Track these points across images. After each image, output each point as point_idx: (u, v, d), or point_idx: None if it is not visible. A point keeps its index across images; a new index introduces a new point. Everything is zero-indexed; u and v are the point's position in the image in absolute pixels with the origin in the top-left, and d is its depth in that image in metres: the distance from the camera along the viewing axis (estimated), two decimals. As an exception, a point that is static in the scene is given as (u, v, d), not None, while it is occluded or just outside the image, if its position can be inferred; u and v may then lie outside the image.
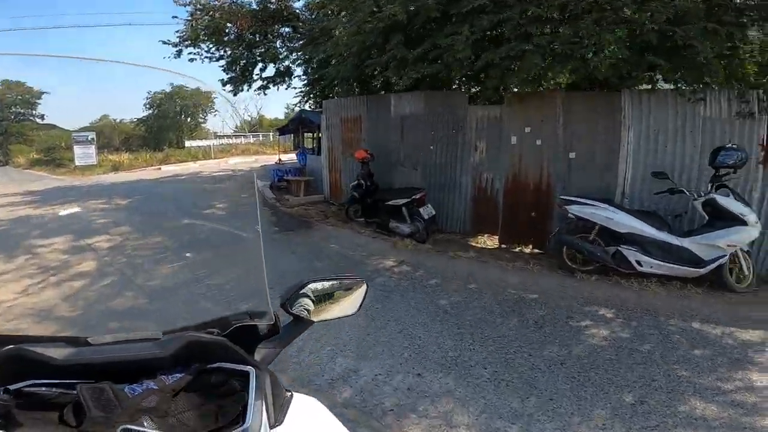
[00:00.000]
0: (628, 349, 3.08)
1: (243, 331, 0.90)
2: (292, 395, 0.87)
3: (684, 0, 3.71)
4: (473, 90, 6.89)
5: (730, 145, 4.19)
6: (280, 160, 15.19)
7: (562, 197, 4.90)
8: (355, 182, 6.96)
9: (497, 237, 6.01)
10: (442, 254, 5.39)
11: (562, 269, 4.81)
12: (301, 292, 0.98)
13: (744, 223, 4.04)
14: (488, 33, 4.80)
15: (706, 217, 4.29)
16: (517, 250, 5.74)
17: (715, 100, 4.49)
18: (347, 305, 1.05)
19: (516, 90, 6.02)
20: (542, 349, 3.05)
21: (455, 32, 4.64)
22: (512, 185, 5.74)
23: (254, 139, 30.12)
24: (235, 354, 0.80)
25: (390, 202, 6.20)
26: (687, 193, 4.39)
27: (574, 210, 4.67)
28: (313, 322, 0.99)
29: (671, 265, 4.27)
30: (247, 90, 10.79)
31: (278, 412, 0.78)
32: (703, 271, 4.19)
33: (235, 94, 10.99)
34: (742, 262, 4.22)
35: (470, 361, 2.89)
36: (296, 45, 9.87)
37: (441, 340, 3.17)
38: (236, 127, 33.35)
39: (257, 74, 10.66)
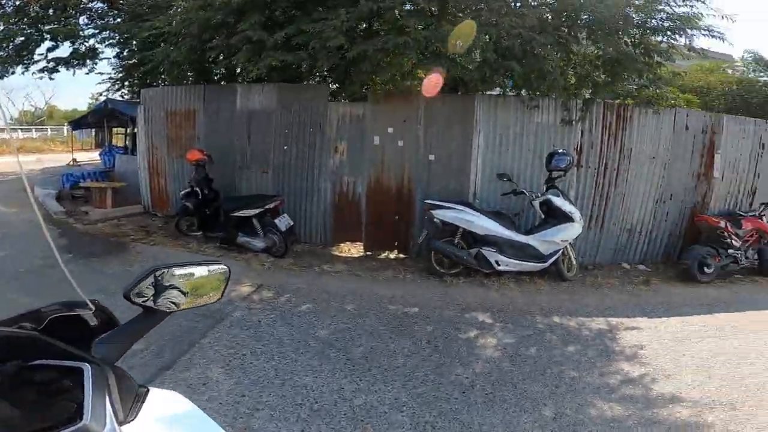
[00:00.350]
0: (519, 357, 3.07)
1: (68, 324, 0.86)
2: (148, 390, 0.83)
3: (538, 12, 4.01)
4: (334, 85, 6.38)
5: (561, 150, 4.78)
6: (74, 160, 11.92)
7: (427, 201, 4.87)
8: (188, 189, 5.65)
9: (362, 245, 5.69)
10: (306, 271, 4.73)
11: (432, 274, 4.78)
12: (161, 280, 0.89)
13: (572, 220, 4.66)
14: (362, 23, 4.36)
15: (542, 216, 4.82)
16: (383, 256, 5.52)
17: (545, 107, 5.09)
18: (208, 292, 0.99)
19: (381, 88, 5.77)
20: (448, 374, 2.77)
21: (326, 17, 4.05)
22: (375, 189, 5.48)
23: (39, 134, 24.49)
24: (57, 349, 0.74)
25: (237, 213, 5.19)
26: (527, 193, 4.86)
27: (440, 214, 4.67)
28: (167, 312, 0.91)
29: (522, 262, 4.66)
30: (23, 73, 8.54)
31: (128, 408, 0.74)
32: (546, 264, 4.69)
33: (1, 78, 8.13)
34: (570, 254, 4.89)
35: (382, 407, 2.37)
36: (112, 22, 7.76)
37: (337, 385, 2.56)
38: (12, 120, 27.17)
39: (41, 54, 8.37)
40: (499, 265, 4.63)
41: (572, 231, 4.66)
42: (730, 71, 10.49)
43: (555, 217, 4.72)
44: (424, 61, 4.12)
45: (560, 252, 4.71)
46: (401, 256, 5.52)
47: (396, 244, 5.56)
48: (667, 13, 4.11)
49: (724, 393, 2.74)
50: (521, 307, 4.04)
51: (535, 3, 4.16)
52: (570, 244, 4.84)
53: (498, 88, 4.77)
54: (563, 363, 3.03)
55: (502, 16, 3.88)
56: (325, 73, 5.96)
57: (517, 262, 4.66)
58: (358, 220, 5.65)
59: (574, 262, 4.91)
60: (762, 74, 9.49)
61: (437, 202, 4.77)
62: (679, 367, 3.06)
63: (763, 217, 5.34)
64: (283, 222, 5.15)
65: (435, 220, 4.69)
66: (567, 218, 4.65)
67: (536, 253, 4.69)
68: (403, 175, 5.40)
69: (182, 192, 5.76)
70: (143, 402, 0.78)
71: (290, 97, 5.63)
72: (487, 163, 5.21)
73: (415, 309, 3.87)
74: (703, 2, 4.13)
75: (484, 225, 4.59)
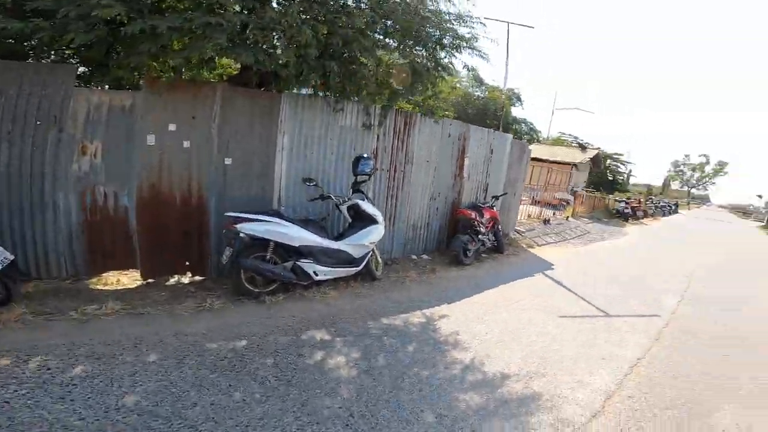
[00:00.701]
0: (374, 369, 3.12)
1: None
2: None
3: (365, 15, 4.03)
4: (83, 68, 4.68)
5: (366, 155, 5.08)
6: None
7: (230, 215, 4.27)
8: None
9: (137, 272, 4.48)
10: (58, 319, 3.37)
11: (245, 295, 4.26)
12: None
13: (377, 222, 5.06)
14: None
15: (350, 220, 5.04)
16: (172, 282, 4.53)
17: (350, 111, 5.28)
18: None
19: (167, 75, 4.60)
20: (320, 409, 2.52)
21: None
22: (151, 200, 4.38)
23: None
24: None
25: None
26: (334, 198, 4.96)
27: (248, 228, 4.19)
28: None
29: (338, 268, 4.75)
30: None
31: None
32: (360, 267, 4.93)
33: None
34: (376, 253, 5.31)
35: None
36: None
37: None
38: None
39: None
40: (317, 275, 4.57)
41: (378, 232, 5.05)
42: (458, 85, 13.68)
43: (362, 220, 5.01)
44: (236, 49, 3.52)
45: (370, 253, 5.03)
46: (197, 278, 4.68)
47: (187, 264, 4.66)
48: (455, 32, 4.93)
49: (530, 363, 3.61)
50: (350, 315, 4.12)
51: (365, 5, 4.19)
52: (375, 245, 5.23)
53: (311, 88, 4.60)
54: (412, 365, 3.27)
55: (331, 12, 3.75)
56: (68, 52, 4.33)
57: (334, 269, 4.71)
58: (126, 241, 4.42)
59: (380, 261, 5.37)
60: (477, 90, 12.87)
61: (242, 215, 4.25)
62: (490, 346, 3.83)
63: (494, 207, 7.26)
64: (-6, 258, 3.46)
65: (242, 235, 4.17)
66: (372, 221, 5.01)
67: (349, 258, 4.86)
68: (191, 183, 4.54)
69: None
70: None
71: (7, 77, 3.81)
72: (293, 166, 5.02)
73: (243, 342, 3.35)
74: (483, 24, 5.12)
75: (300, 236, 4.41)
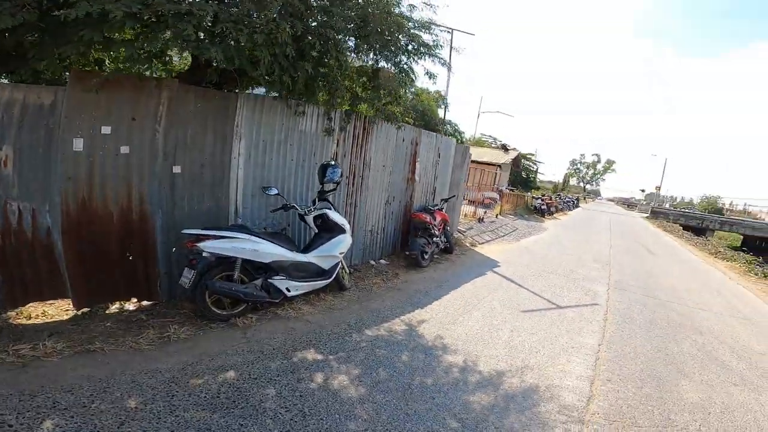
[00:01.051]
0: (381, 384, 3.11)
1: None
2: None
3: (344, 14, 3.89)
4: None
5: (333, 162, 4.95)
6: None
7: (189, 232, 3.89)
8: None
9: (69, 301, 3.86)
10: None
11: (211, 319, 3.90)
12: None
13: (344, 231, 4.98)
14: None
15: (316, 230, 4.88)
16: (116, 310, 4.00)
17: (310, 115, 5.08)
18: None
19: (108, 69, 4.00)
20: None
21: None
22: (79, 217, 3.78)
23: None
24: None
25: None
26: (299, 209, 4.76)
27: (211, 247, 3.85)
28: None
29: (309, 282, 4.60)
30: None
31: None
32: (331, 279, 4.82)
33: None
34: (343, 263, 5.22)
35: None
36: None
37: None
38: None
39: None
40: (289, 291, 4.37)
41: (347, 242, 4.98)
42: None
43: (329, 230, 4.89)
44: (203, 43, 3.15)
45: (339, 264, 4.93)
46: (144, 303, 4.17)
47: (133, 289, 4.13)
48: (419, 38, 4.99)
49: (516, 358, 3.87)
50: (332, 330, 4.03)
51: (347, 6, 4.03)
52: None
53: (277, 91, 4.31)
54: (413, 374, 3.32)
55: (311, 9, 3.55)
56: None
57: (306, 283, 4.55)
58: (51, 266, 3.78)
59: (347, 270, 5.28)
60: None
61: (204, 232, 3.90)
62: (475, 346, 4.02)
63: (443, 209, 7.56)
64: None
65: (205, 254, 3.82)
66: (341, 230, 4.92)
67: (319, 270, 4.73)
68: (131, 195, 4.00)
69: None
70: None
71: None
72: (250, 174, 4.70)
73: (231, 373, 3.09)
74: (448, 31, 5.25)
75: (271, 251, 4.19)
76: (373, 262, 6.38)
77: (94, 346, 3.23)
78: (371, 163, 6.11)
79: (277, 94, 4.41)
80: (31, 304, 3.82)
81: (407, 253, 6.68)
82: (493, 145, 30.47)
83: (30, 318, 3.67)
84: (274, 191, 4.64)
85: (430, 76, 5.30)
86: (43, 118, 3.62)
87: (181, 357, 3.21)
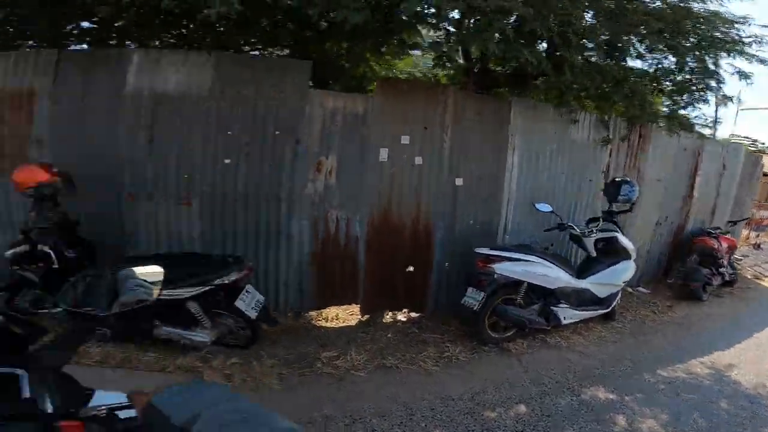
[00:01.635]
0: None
1: None
2: (94, 391, 1.06)
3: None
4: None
5: (629, 179, 4.48)
6: None
7: (481, 251, 3.90)
8: (23, 246, 3.38)
9: (358, 306, 4.34)
10: (307, 375, 3.21)
11: (484, 342, 3.90)
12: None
13: (629, 257, 4.44)
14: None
15: (593, 254, 4.42)
16: (389, 319, 4.35)
17: (582, 123, 4.74)
18: None
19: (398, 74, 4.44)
20: None
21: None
22: (380, 228, 4.17)
23: None
24: None
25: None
26: (576, 229, 4.37)
27: (503, 269, 3.82)
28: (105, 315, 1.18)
29: (584, 311, 4.27)
30: None
31: (71, 403, 0.95)
32: (608, 310, 4.40)
33: None
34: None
35: None
36: None
37: None
38: None
39: None
40: (565, 319, 4.10)
41: (632, 269, 4.54)
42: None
43: (610, 255, 4.44)
44: (511, 45, 3.03)
45: (619, 293, 4.44)
46: (412, 314, 4.43)
47: (407, 300, 4.42)
48: (728, 34, 4.18)
49: None
50: (612, 366, 3.73)
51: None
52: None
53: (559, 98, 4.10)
54: (746, 424, 2.94)
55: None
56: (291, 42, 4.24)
57: (581, 312, 4.26)
58: (353, 274, 4.26)
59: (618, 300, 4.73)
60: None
61: (496, 252, 3.90)
62: None
63: (728, 233, 6.24)
64: (249, 301, 3.39)
65: (496, 275, 3.79)
66: (627, 256, 4.43)
67: (594, 298, 4.38)
68: (420, 207, 4.24)
69: (10, 251, 3.40)
70: (89, 400, 1.02)
71: (235, 73, 3.76)
72: (521, 188, 4.59)
73: (522, 408, 3.02)
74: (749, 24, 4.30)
75: (558, 276, 4.03)
76: (630, 290, 5.63)
77: (389, 361, 3.48)
78: (645, 176, 5.36)
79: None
80: (331, 307, 4.37)
81: (671, 281, 5.72)
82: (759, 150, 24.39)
83: (327, 320, 4.23)
84: (548, 208, 4.41)
85: (742, 76, 4.34)
86: (357, 128, 3.95)
87: (467, 383, 3.27)
